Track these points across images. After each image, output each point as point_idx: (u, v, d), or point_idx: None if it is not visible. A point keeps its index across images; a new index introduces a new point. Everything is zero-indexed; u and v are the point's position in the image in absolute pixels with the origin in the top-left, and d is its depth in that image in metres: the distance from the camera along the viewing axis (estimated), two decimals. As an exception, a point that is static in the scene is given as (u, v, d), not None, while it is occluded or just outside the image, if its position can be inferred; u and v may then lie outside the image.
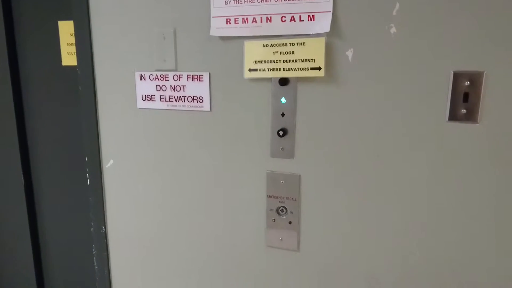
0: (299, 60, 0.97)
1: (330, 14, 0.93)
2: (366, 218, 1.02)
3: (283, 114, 1.04)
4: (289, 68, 0.99)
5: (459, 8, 0.85)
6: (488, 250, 0.93)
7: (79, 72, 1.22)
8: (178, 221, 1.21)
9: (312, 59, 0.96)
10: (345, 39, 0.94)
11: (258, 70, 1.01)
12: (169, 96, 1.14)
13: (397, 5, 0.89)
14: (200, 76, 1.09)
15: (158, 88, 1.15)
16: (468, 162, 0.91)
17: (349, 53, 0.95)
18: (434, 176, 0.94)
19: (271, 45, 0.99)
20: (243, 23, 1.01)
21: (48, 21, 1.46)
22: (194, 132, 1.13)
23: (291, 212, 1.08)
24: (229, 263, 1.18)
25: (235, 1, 1.00)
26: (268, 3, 0.97)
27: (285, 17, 0.97)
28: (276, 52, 0.99)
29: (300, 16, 0.95)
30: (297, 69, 0.98)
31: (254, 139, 1.08)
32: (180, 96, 1.13)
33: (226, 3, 1.01)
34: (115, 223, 1.30)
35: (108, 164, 1.26)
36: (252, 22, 1.00)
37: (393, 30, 0.91)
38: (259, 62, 1.01)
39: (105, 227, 1.31)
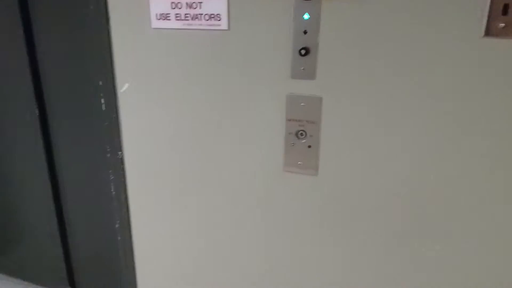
0: (325, -30, 0.90)
1: None
2: (389, 143, 0.99)
3: (305, 32, 0.98)
4: (314, -20, 0.92)
5: None
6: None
7: (89, -10, 1.17)
8: (193, 144, 1.20)
9: (339, -31, 0.89)
10: None
11: (280, -18, 0.95)
12: (184, 14, 1.08)
13: None
14: (218, -9, 1.03)
15: (173, 6, 1.09)
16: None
17: (380, -38, 0.87)
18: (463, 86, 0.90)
19: (295, -47, 0.92)
20: None
21: None
22: (211, 52, 1.09)
23: (311, 136, 1.06)
24: (245, 187, 1.18)
25: None
26: None
27: None
28: (300, -39, 0.92)
29: None
30: (322, -20, 0.91)
31: (274, 59, 1.03)
32: (196, 14, 1.07)
33: None
34: (132, 148, 1.29)
35: (123, 88, 1.23)
36: None
37: None
38: (281, -27, 0.94)
39: (121, 152, 1.31)
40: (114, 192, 1.38)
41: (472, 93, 0.89)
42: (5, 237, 1.99)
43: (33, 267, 1.98)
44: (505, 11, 0.82)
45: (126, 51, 1.19)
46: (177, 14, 1.09)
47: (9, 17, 1.52)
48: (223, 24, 1.05)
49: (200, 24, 1.08)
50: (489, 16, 0.83)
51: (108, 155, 1.33)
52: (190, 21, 1.09)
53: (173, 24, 1.11)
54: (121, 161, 1.32)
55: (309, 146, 1.07)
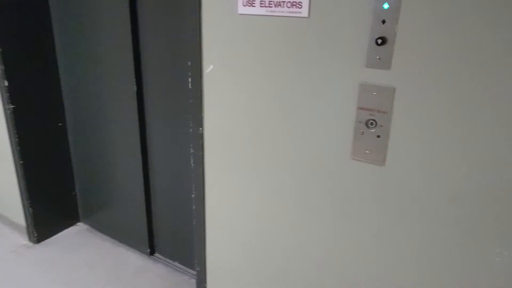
0: (408, -41, 0.90)
1: None
2: (462, 139, 0.96)
3: (383, 21, 0.99)
4: (396, -31, 0.92)
5: None
6: None
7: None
8: (267, 125, 1.27)
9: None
10: None
11: (362, -29, 0.97)
12: (269, 1, 1.15)
13: None
14: (301, -20, 1.07)
15: (259, -7, 1.16)
16: None
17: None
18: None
19: None
20: None
21: None
22: (290, 38, 1.14)
23: (381, 126, 1.07)
24: (313, 170, 1.22)
25: None
26: None
27: None
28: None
29: None
30: (405, -31, 0.91)
31: (350, 47, 1.05)
32: (279, 1, 1.13)
33: None
34: (211, 125, 1.40)
35: (208, 69, 1.34)
36: None
37: None
38: (364, -38, 0.96)
39: (202, 129, 1.43)
40: (193, 165, 1.50)
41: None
42: (101, 199, 2.26)
43: (120, 228, 2.23)
44: None
45: (214, 35, 1.29)
46: (262, 1, 1.16)
47: (119, 9, 1.72)
48: (304, 11, 1.10)
49: (282, 11, 1.13)
50: None
51: (191, 130, 1.45)
52: (274, 8, 1.15)
53: (257, 10, 1.18)
54: (201, 137, 1.44)
55: (378, 136, 1.08)
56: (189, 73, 1.39)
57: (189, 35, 1.34)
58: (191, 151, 1.49)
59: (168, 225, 2.06)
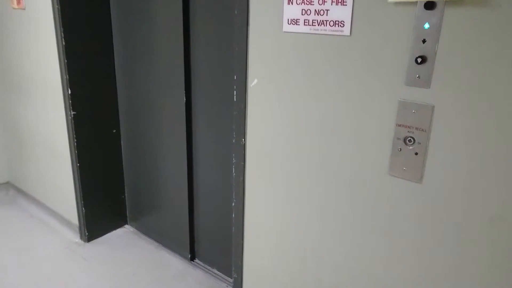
0: (450, -19, 0.92)
1: None
2: (498, 159, 0.95)
3: (424, 41, 1.01)
4: (437, -10, 0.94)
5: None
6: None
7: (236, -3, 1.37)
8: (307, 138, 1.31)
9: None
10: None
11: (403, -8, 1.00)
12: (312, 20, 1.20)
13: None
14: (344, 0, 1.12)
15: (303, 12, 1.21)
16: None
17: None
18: None
19: (421, -35, 0.95)
20: None
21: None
22: (332, 55, 1.18)
23: (419, 143, 1.08)
24: (351, 185, 1.25)
25: None
26: None
27: None
28: (425, -27, 0.95)
29: None
30: (446, -9, 0.93)
31: (390, 65, 1.08)
32: (322, 20, 1.18)
33: None
34: (254, 136, 1.46)
35: (253, 83, 1.41)
36: None
37: None
38: (405, -16, 0.99)
39: (244, 140, 1.49)
40: (234, 174, 1.57)
41: None
42: (148, 203, 2.38)
43: (164, 232, 2.33)
44: None
45: (259, 51, 1.36)
46: (305, 19, 1.21)
47: (173, 25, 1.84)
48: (346, 30, 1.14)
49: (325, 30, 1.18)
50: None
51: (234, 140, 1.52)
52: (317, 27, 1.20)
53: (301, 28, 1.23)
54: (243, 147, 1.50)
55: (416, 153, 1.09)
56: (235, 86, 1.46)
57: (236, 50, 1.42)
58: (233, 161, 1.56)
59: (209, 232, 2.13)
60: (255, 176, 1.51)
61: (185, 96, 1.93)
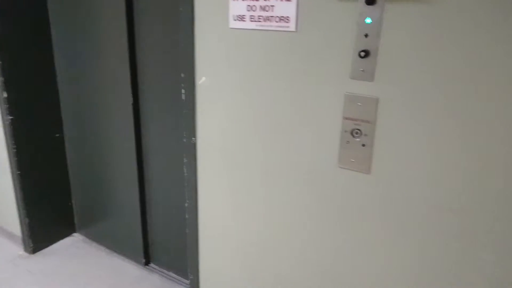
0: (388, -24, 0.95)
1: None
2: (443, 148, 1.00)
3: (366, 35, 1.03)
4: (377, -14, 0.97)
5: None
6: None
7: (180, -7, 1.34)
8: (257, 134, 1.31)
9: (402, -24, 0.93)
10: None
11: (345, -12, 1.02)
12: (258, 16, 1.20)
13: None
14: (289, -4, 1.12)
15: (249, 9, 1.21)
16: None
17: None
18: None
19: (361, -39, 0.98)
20: None
21: None
22: (279, 51, 1.19)
23: (366, 135, 1.11)
24: (301, 178, 1.26)
25: None
26: None
27: None
28: (365, -32, 0.98)
29: None
30: (385, -14, 0.96)
31: (336, 60, 1.10)
32: (268, 16, 1.18)
33: None
34: (204, 135, 1.44)
35: (201, 80, 1.38)
36: None
37: None
38: (347, -21, 1.01)
39: (195, 138, 1.46)
40: (186, 174, 1.54)
41: (533, 102, 0.87)
42: (97, 209, 2.29)
43: (116, 238, 2.25)
44: None
45: (206, 48, 1.34)
46: (251, 16, 1.21)
47: (116, 23, 1.77)
48: (292, 26, 1.14)
49: (271, 25, 1.18)
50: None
51: (184, 140, 1.49)
52: (263, 23, 1.20)
53: (247, 24, 1.23)
54: (194, 146, 1.48)
55: (363, 145, 1.12)
56: (183, 85, 1.43)
57: (183, 48, 1.39)
58: (185, 161, 1.53)
59: (163, 235, 2.08)
60: (207, 175, 1.49)
61: (132, 95, 1.87)
